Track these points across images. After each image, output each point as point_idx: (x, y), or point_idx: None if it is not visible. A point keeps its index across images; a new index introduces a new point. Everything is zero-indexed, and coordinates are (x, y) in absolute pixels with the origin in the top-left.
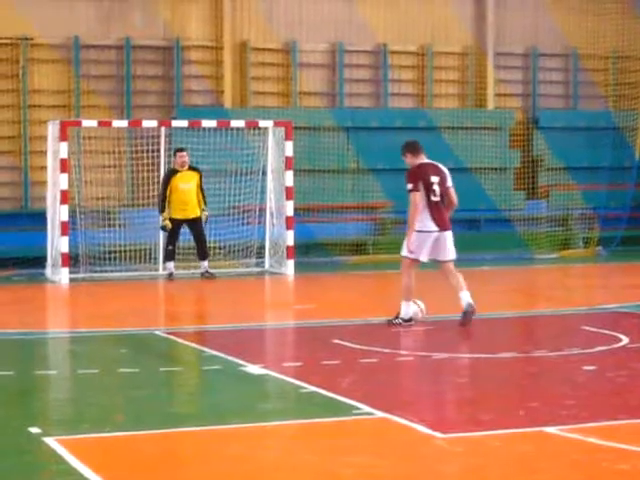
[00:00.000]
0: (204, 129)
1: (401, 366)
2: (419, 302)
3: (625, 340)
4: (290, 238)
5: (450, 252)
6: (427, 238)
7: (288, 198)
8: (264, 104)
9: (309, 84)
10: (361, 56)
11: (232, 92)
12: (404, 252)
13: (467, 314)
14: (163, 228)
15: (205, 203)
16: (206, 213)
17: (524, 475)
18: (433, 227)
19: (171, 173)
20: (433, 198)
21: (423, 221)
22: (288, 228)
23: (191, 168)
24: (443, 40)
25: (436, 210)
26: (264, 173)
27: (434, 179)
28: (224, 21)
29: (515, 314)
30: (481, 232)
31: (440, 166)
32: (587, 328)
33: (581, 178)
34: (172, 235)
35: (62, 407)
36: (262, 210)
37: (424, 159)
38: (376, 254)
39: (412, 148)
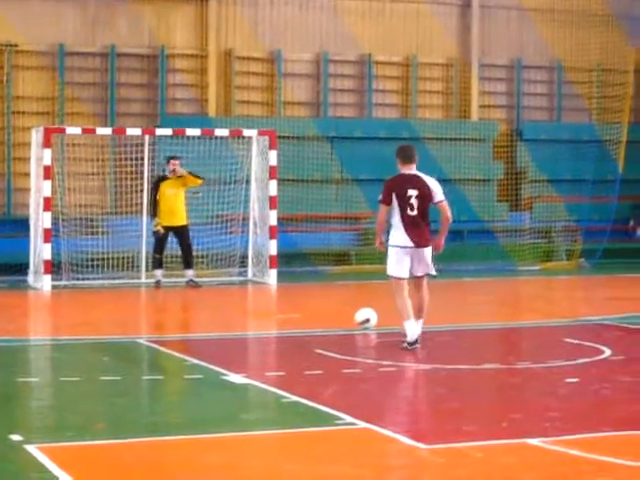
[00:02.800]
0: (188, 137)
1: (384, 376)
2: (373, 317)
3: (607, 352)
4: (273, 247)
5: (425, 267)
6: (403, 254)
7: (271, 207)
8: (248, 113)
9: (293, 93)
10: (346, 66)
11: (216, 101)
12: (388, 271)
13: (409, 346)
14: (155, 233)
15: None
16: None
17: None
18: (408, 243)
19: (160, 179)
20: (410, 212)
21: (396, 236)
22: (271, 237)
23: (180, 176)
24: (428, 51)
25: (411, 226)
26: (248, 182)
27: (412, 192)
28: (209, 30)
29: (498, 325)
30: (464, 243)
31: (424, 179)
32: (570, 340)
33: (564, 190)
34: (160, 243)
35: (44, 414)
36: (245, 219)
37: (411, 170)
38: (359, 264)
39: (402, 155)
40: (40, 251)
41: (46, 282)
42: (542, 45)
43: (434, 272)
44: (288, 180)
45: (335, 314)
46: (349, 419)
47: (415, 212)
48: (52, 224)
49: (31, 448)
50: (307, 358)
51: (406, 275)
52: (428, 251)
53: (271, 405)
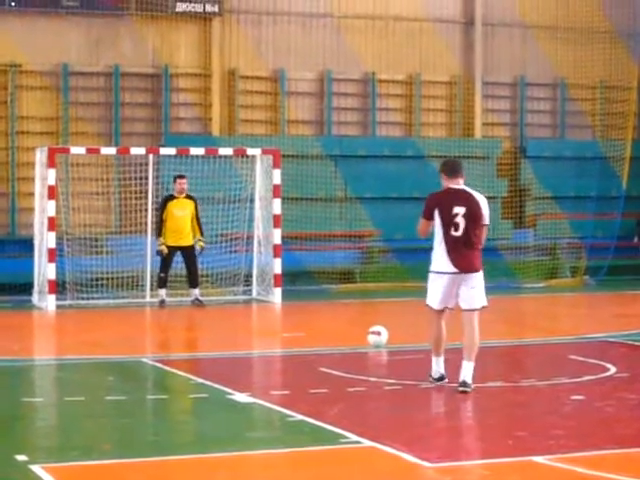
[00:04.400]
0: (192, 157)
1: (388, 395)
2: (384, 332)
3: (613, 369)
4: (277, 266)
5: (472, 299)
6: (444, 281)
7: (276, 226)
8: (252, 132)
9: (297, 112)
10: (349, 84)
11: (220, 120)
12: (427, 300)
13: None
14: (159, 253)
15: (202, 233)
16: (202, 244)
17: None
18: (450, 268)
19: (168, 199)
20: (453, 233)
21: (437, 260)
22: (275, 256)
23: (187, 196)
24: (431, 69)
25: (454, 247)
26: (252, 201)
27: (458, 209)
28: (212, 49)
29: (503, 343)
30: None
31: (475, 196)
32: (575, 357)
33: (568, 207)
34: (165, 262)
35: (49, 434)
36: (250, 238)
37: (458, 184)
38: (363, 282)
39: (447, 169)
40: (44, 271)
41: (50, 302)
42: (545, 62)
43: (484, 304)
44: (292, 199)
45: (340, 332)
46: (354, 438)
47: (460, 233)
48: (56, 244)
49: (36, 468)
50: (312, 377)
51: (447, 305)
52: (478, 278)
53: (276, 424)
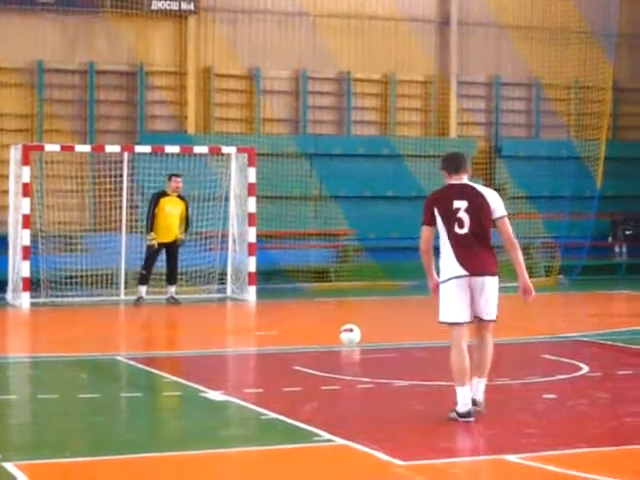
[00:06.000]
0: (167, 155)
1: (362, 393)
2: (356, 329)
3: (585, 369)
4: (252, 264)
5: (490, 308)
6: (457, 288)
7: (250, 224)
8: (227, 130)
9: (272, 111)
10: (325, 83)
11: (195, 118)
12: (440, 316)
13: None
14: (149, 247)
15: (186, 230)
16: (183, 237)
17: None
18: (458, 271)
19: (160, 195)
20: (458, 230)
21: (446, 265)
22: (250, 254)
23: (178, 196)
24: (406, 68)
25: (462, 247)
26: (227, 199)
27: (459, 204)
28: (188, 47)
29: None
30: None
31: (479, 189)
32: (548, 357)
33: (543, 207)
34: (150, 259)
35: (22, 432)
36: (224, 236)
37: (461, 180)
38: (338, 281)
39: (447, 165)
40: (19, 268)
41: (25, 299)
42: (520, 62)
43: (494, 316)
44: (267, 197)
45: (314, 331)
46: (327, 436)
47: (465, 230)
48: (31, 241)
49: (9, 465)
50: (286, 375)
51: (465, 318)
52: (492, 283)
53: (250, 422)
